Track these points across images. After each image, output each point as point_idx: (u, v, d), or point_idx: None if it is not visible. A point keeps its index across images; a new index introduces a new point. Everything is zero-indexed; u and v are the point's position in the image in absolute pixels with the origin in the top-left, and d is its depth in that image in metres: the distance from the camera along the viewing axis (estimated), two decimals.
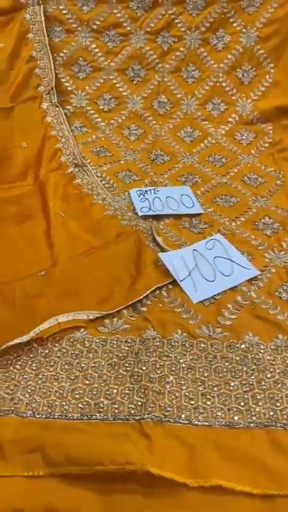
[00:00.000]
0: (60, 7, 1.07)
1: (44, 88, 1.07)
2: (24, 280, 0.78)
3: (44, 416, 0.58)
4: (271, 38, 1.10)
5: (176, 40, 1.13)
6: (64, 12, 1.08)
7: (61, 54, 1.10)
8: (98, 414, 0.59)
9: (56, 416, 0.58)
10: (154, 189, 0.99)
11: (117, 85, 1.14)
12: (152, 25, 1.11)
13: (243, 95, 1.16)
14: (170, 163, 1.10)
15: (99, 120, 1.15)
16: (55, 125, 1.07)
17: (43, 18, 1.05)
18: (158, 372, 0.64)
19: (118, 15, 1.10)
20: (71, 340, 0.69)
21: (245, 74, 1.15)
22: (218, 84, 1.16)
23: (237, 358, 0.66)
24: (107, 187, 1.02)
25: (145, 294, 0.74)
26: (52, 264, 0.83)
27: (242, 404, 0.60)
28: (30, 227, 0.91)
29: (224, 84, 1.16)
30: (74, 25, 1.09)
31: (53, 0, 1.06)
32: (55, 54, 1.09)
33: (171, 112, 1.17)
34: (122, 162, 1.09)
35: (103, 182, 1.04)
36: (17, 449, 0.54)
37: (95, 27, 1.10)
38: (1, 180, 0.98)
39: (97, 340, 0.69)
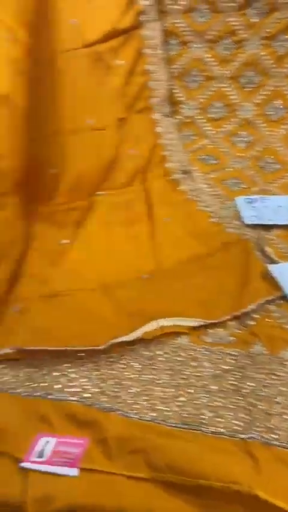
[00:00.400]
0: (177, 21, 1.09)
1: (156, 99, 1.10)
2: (128, 282, 0.80)
3: (146, 419, 0.58)
4: None
5: None
6: (180, 25, 1.10)
7: (175, 66, 1.12)
8: (199, 426, 0.56)
9: (158, 421, 0.57)
10: (263, 198, 0.95)
11: (229, 93, 1.12)
12: (269, 30, 1.07)
13: None
14: (281, 171, 1.04)
15: (209, 128, 1.13)
16: (165, 134, 1.09)
17: (160, 33, 1.08)
18: (266, 390, 0.59)
19: (234, 23, 1.09)
20: (174, 346, 0.68)
21: None
22: None
23: None
24: (212, 195, 1.01)
25: (253, 307, 0.71)
26: (156, 268, 0.84)
27: None
28: (136, 231, 0.94)
29: None
30: (189, 37, 1.10)
31: (170, 15, 1.09)
32: (169, 66, 1.12)
33: (285, 117, 1.11)
34: (229, 169, 1.07)
35: (209, 189, 1.02)
36: (120, 447, 0.54)
37: (209, 37, 1.10)
38: (111, 185, 1.03)
39: (201, 349, 0.67)
